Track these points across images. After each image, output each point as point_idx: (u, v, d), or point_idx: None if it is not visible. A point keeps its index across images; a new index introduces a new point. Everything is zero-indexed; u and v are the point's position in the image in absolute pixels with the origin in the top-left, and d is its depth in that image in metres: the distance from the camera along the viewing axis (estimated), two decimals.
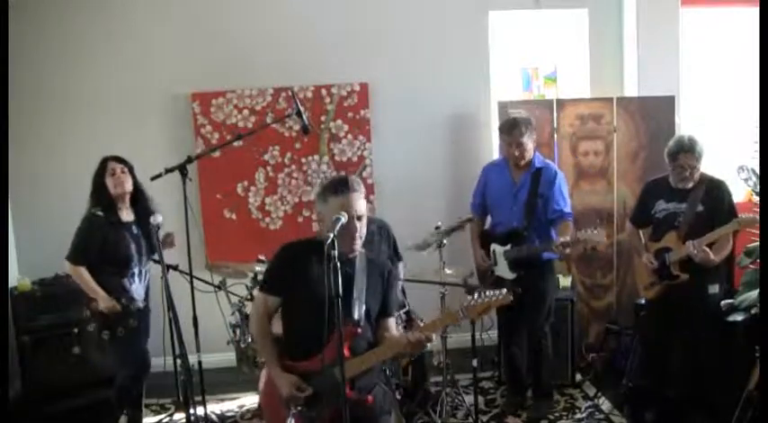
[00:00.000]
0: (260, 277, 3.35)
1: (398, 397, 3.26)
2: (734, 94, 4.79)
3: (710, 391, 3.40)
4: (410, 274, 3.71)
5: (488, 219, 3.91)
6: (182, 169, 3.25)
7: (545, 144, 4.46)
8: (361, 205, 2.34)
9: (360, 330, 2.34)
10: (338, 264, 2.05)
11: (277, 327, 2.49)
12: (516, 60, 4.91)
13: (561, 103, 4.57)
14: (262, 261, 3.57)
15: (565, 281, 4.22)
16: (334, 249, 2.07)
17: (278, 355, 2.39)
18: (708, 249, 3.17)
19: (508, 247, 3.62)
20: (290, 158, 4.62)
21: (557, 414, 3.77)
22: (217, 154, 4.30)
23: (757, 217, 3.11)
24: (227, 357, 3.84)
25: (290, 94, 4.25)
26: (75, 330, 3.93)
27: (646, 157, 4.49)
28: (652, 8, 4.67)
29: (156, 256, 3.37)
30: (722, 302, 3.53)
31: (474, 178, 3.97)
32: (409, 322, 3.56)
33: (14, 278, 4.20)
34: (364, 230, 2.39)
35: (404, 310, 3.58)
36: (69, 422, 3.83)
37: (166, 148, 4.40)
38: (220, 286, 3.63)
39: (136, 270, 3.31)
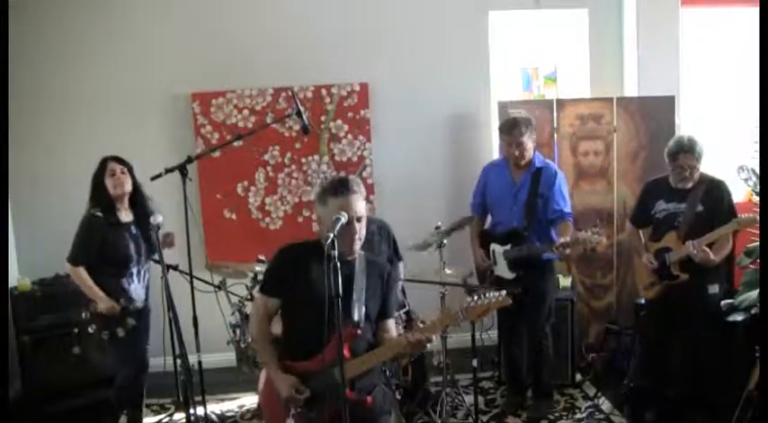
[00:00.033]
0: (260, 277, 3.35)
1: (398, 397, 3.26)
2: (734, 94, 4.79)
3: (710, 391, 3.40)
4: (410, 274, 3.72)
5: (488, 218, 3.91)
6: (182, 169, 3.25)
7: (545, 144, 4.46)
8: (360, 207, 2.34)
9: (359, 331, 2.34)
10: (338, 264, 2.05)
11: (277, 327, 2.49)
12: (516, 60, 4.91)
13: (561, 103, 4.57)
14: (262, 261, 3.57)
15: (565, 281, 4.22)
16: (334, 249, 2.07)
17: (278, 356, 2.39)
18: (707, 249, 3.17)
19: (508, 246, 3.62)
20: (290, 158, 4.62)
21: (557, 414, 3.77)
22: (217, 154, 4.30)
23: (757, 217, 3.11)
24: (227, 357, 3.84)
25: (290, 94, 4.26)
26: (75, 330, 3.88)
27: (646, 157, 4.49)
28: (652, 8, 4.67)
29: (155, 257, 3.37)
30: (722, 302, 3.53)
31: (474, 178, 3.97)
32: (409, 322, 3.55)
33: (14, 278, 4.20)
34: (363, 232, 2.39)
35: (404, 310, 3.58)
36: (69, 422, 3.83)
37: (166, 148, 4.40)
38: (220, 286, 3.63)
39: (134, 270, 3.31)
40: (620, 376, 3.94)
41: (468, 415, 3.71)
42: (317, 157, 4.64)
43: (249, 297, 3.56)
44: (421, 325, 2.41)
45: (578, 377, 4.16)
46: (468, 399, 3.81)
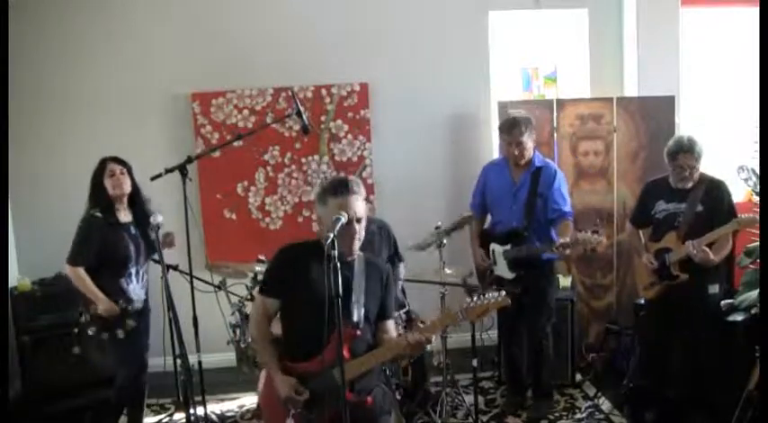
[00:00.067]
0: (260, 277, 3.35)
1: (398, 397, 3.26)
2: (734, 94, 4.78)
3: (710, 391, 3.40)
4: (410, 274, 3.72)
5: (488, 218, 3.91)
6: (182, 169, 3.25)
7: (545, 144, 4.46)
8: (360, 207, 2.34)
9: (359, 332, 2.34)
10: (338, 264, 2.05)
11: (276, 328, 2.49)
12: (516, 60, 4.91)
13: (561, 103, 4.57)
14: (262, 261, 3.57)
15: (565, 281, 4.22)
16: (334, 249, 2.06)
17: (277, 356, 2.39)
18: (707, 249, 3.17)
19: (508, 246, 3.62)
20: (290, 158, 4.62)
21: (557, 414, 3.77)
22: (217, 154, 4.30)
23: (757, 217, 3.11)
24: (227, 357, 3.84)
25: (290, 94, 4.26)
26: (75, 330, 3.89)
27: (646, 157, 4.49)
28: (652, 8, 4.67)
29: (155, 256, 3.37)
30: (722, 302, 3.53)
31: (474, 178, 3.97)
32: (409, 322, 3.56)
33: (14, 278, 4.20)
34: (363, 233, 2.39)
35: (404, 310, 3.58)
36: (69, 422, 3.83)
37: (166, 148, 4.40)
38: (220, 286, 3.63)
39: (133, 270, 3.30)
40: (620, 376, 3.94)
41: (468, 415, 3.71)
42: (317, 157, 4.64)
43: (249, 297, 3.56)
44: (421, 325, 2.41)
45: (578, 377, 4.16)
46: (468, 399, 3.81)
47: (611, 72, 4.87)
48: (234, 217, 4.62)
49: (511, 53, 4.89)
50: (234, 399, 4.14)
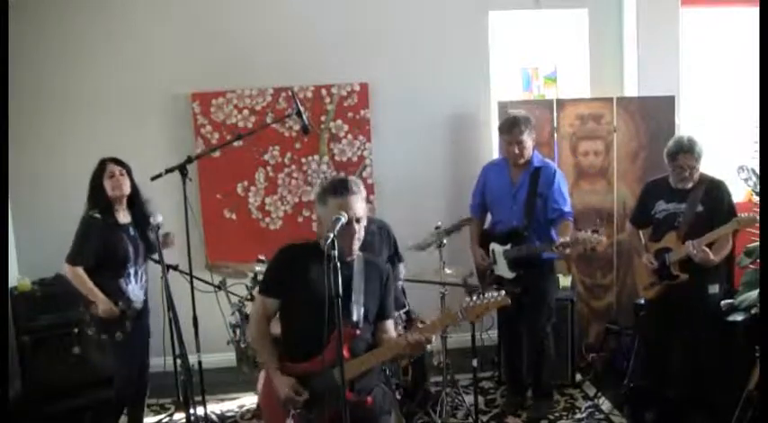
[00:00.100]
0: (260, 277, 3.35)
1: (398, 397, 3.26)
2: (734, 94, 4.78)
3: (710, 391, 3.40)
4: (410, 274, 3.72)
5: (488, 218, 3.92)
6: (182, 169, 3.26)
7: (545, 144, 4.46)
8: (360, 208, 2.34)
9: (358, 332, 2.34)
10: (338, 264, 2.05)
11: (275, 328, 2.49)
12: (516, 60, 4.91)
13: (561, 103, 4.57)
14: (262, 261, 3.57)
15: (565, 281, 4.22)
16: (334, 249, 2.07)
17: (277, 356, 2.39)
18: (707, 249, 3.17)
19: (508, 246, 3.62)
20: (290, 158, 4.62)
21: (557, 414, 3.77)
22: (217, 154, 4.30)
23: (757, 217, 3.11)
24: (227, 357, 3.84)
25: (290, 94, 4.26)
26: (75, 330, 3.92)
27: (646, 157, 4.49)
28: (652, 8, 4.67)
29: (155, 256, 3.37)
30: (722, 302, 3.53)
31: (474, 178, 3.97)
32: (409, 322, 3.56)
33: (14, 278, 4.20)
34: (362, 233, 2.40)
35: (404, 310, 3.58)
36: (69, 422, 3.83)
37: (166, 148, 4.40)
38: (220, 286, 3.63)
39: (132, 271, 3.30)
40: (620, 376, 3.93)
41: (468, 415, 3.71)
42: (317, 157, 4.64)
43: (249, 297, 3.56)
44: (420, 325, 2.41)
45: (578, 377, 4.16)
46: (468, 399, 3.81)
47: (611, 72, 4.87)
48: (234, 217, 4.62)
49: (511, 53, 4.88)
50: (234, 399, 4.14)
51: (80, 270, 3.17)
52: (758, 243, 3.56)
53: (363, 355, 2.34)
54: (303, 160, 4.63)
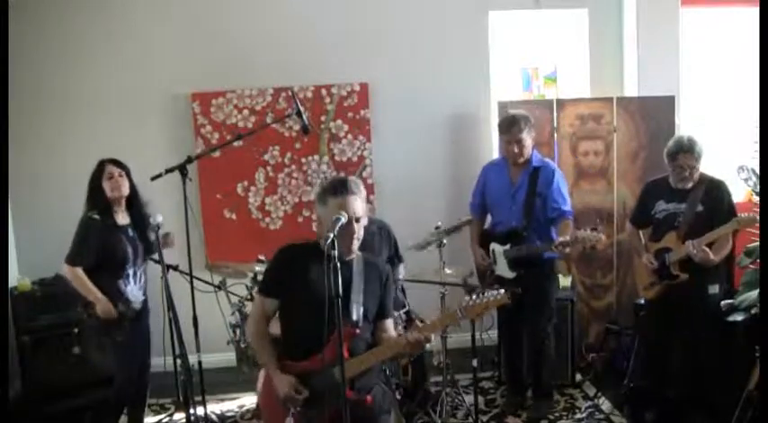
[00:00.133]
0: (260, 277, 3.35)
1: (398, 397, 3.26)
2: (734, 94, 4.78)
3: (710, 391, 3.40)
4: (410, 274, 3.72)
5: (488, 218, 3.92)
6: (182, 169, 3.25)
7: (545, 144, 4.46)
8: (359, 207, 2.34)
9: (358, 331, 2.34)
10: (339, 265, 2.05)
11: (274, 328, 2.49)
12: (516, 60, 4.91)
13: (561, 103, 4.57)
14: (262, 261, 3.57)
15: (565, 281, 4.22)
16: (334, 249, 2.07)
17: (276, 356, 2.39)
18: (707, 249, 3.17)
19: (507, 246, 3.62)
20: (290, 158, 4.62)
21: (557, 414, 3.77)
22: (217, 154, 4.30)
23: (757, 216, 3.11)
24: (227, 357, 3.84)
25: (290, 94, 4.26)
26: (75, 330, 3.92)
27: (646, 157, 4.49)
28: (652, 8, 4.67)
29: (155, 256, 3.37)
30: (722, 302, 3.53)
31: (474, 178, 3.97)
32: (409, 322, 3.55)
33: (14, 278, 4.20)
34: (362, 233, 2.40)
35: (404, 310, 3.58)
36: (69, 422, 3.83)
37: (166, 148, 4.40)
38: (220, 286, 3.63)
39: (131, 272, 3.30)
40: (620, 376, 3.93)
41: (468, 415, 3.71)
42: (317, 157, 4.64)
43: (249, 297, 3.56)
44: (420, 324, 2.42)
45: (578, 377, 4.16)
46: (468, 399, 3.81)
47: (611, 72, 4.87)
48: (234, 217, 4.62)
49: (511, 53, 4.89)
50: (234, 399, 4.14)
51: (79, 271, 3.17)
52: (758, 243, 3.56)
53: (363, 355, 2.34)
54: (303, 160, 4.63)
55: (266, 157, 4.60)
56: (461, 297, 2.44)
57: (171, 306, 2.99)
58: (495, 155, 4.39)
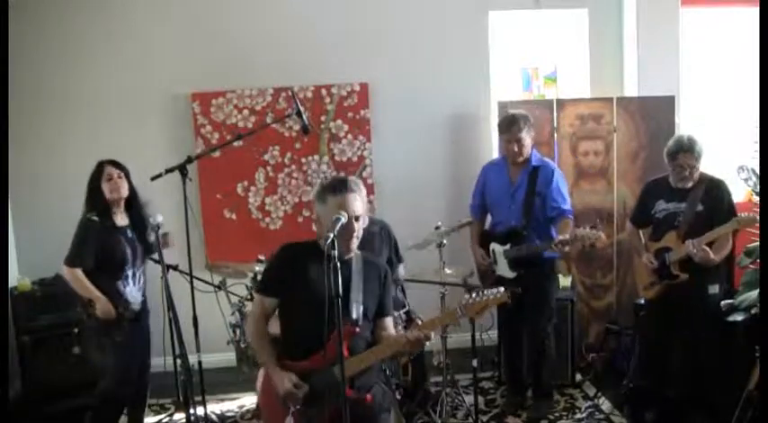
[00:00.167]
0: (260, 277, 3.34)
1: (398, 397, 3.26)
2: (734, 94, 4.78)
3: (710, 391, 3.40)
4: (410, 274, 3.72)
5: (488, 219, 3.92)
6: (182, 169, 3.25)
7: (545, 144, 4.46)
8: (358, 206, 2.34)
9: (358, 330, 2.34)
10: (338, 264, 2.05)
11: (274, 327, 2.49)
12: (516, 60, 4.91)
13: (561, 103, 4.57)
14: (262, 261, 3.57)
15: (565, 281, 4.22)
16: (334, 249, 2.07)
17: (275, 355, 2.39)
18: (707, 248, 3.17)
19: (507, 246, 3.62)
20: (290, 158, 4.62)
21: (557, 414, 3.77)
22: (217, 154, 4.30)
23: (757, 216, 3.11)
24: (227, 357, 3.84)
25: (290, 94, 4.26)
26: (76, 330, 3.92)
27: (646, 157, 4.49)
28: (652, 8, 4.67)
29: (155, 256, 3.37)
30: (722, 302, 3.52)
31: (474, 178, 3.98)
32: (409, 322, 3.55)
33: (14, 278, 4.20)
34: (361, 231, 2.40)
35: (404, 310, 3.58)
36: (69, 422, 3.83)
37: (166, 148, 4.40)
38: (220, 286, 3.63)
39: (130, 273, 3.29)
40: (620, 376, 3.94)
41: (468, 415, 3.71)
42: (317, 157, 4.64)
43: (249, 297, 3.56)
44: (420, 322, 2.42)
45: (578, 377, 4.16)
46: (468, 399, 3.81)
47: (611, 72, 4.87)
48: (234, 217, 4.62)
49: (511, 53, 4.89)
50: (234, 399, 4.14)
51: (79, 272, 3.17)
52: (758, 243, 3.56)
53: (363, 353, 2.34)
54: (303, 160, 4.63)
55: (266, 157, 4.60)
56: (461, 297, 2.44)
57: (171, 306, 2.99)
58: (495, 155, 4.39)
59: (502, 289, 2.37)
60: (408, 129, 4.69)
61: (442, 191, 4.75)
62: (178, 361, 3.14)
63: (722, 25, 4.85)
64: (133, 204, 3.36)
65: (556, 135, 4.54)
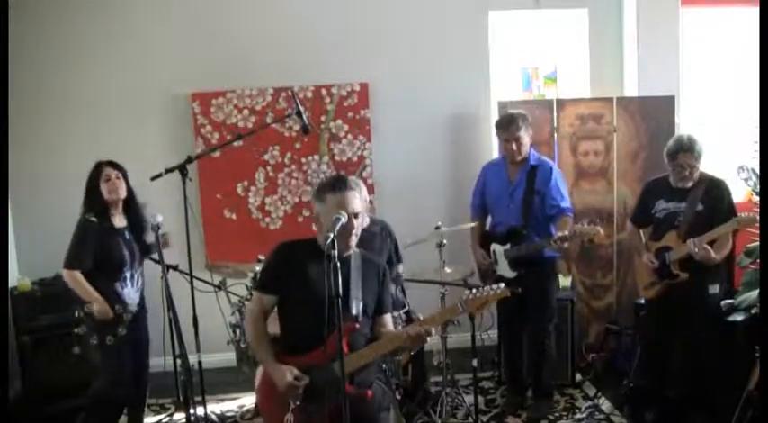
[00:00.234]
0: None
1: (398, 397, 3.26)
2: (734, 94, 4.78)
3: (710, 391, 3.40)
4: (410, 274, 3.71)
5: (489, 220, 3.92)
6: (182, 169, 3.25)
7: (545, 144, 4.46)
8: (357, 204, 2.35)
9: (358, 326, 2.34)
10: (338, 264, 2.06)
11: (273, 327, 2.49)
12: (516, 60, 4.91)
13: (561, 103, 4.57)
14: (261, 261, 3.56)
15: (565, 281, 4.22)
16: (334, 249, 2.07)
17: (274, 354, 2.39)
18: (709, 247, 3.17)
19: (507, 246, 3.63)
20: (290, 158, 4.62)
21: (557, 414, 3.76)
22: (217, 154, 4.30)
23: (757, 216, 3.11)
24: (227, 357, 3.84)
25: (290, 94, 4.26)
26: (76, 330, 3.91)
27: (646, 157, 4.49)
28: (652, 8, 4.67)
29: (155, 257, 3.36)
30: (722, 302, 3.53)
31: (474, 178, 3.98)
32: (409, 322, 3.55)
33: (14, 278, 4.20)
34: (360, 229, 2.41)
35: (404, 309, 3.58)
36: (69, 422, 3.83)
37: (166, 148, 4.40)
38: (220, 286, 3.63)
39: (128, 274, 3.29)
40: (620, 376, 3.94)
41: (468, 415, 3.71)
42: (317, 157, 4.64)
43: (249, 297, 3.56)
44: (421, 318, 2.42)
45: (578, 377, 4.16)
46: (468, 399, 3.81)
47: (611, 72, 4.87)
48: (234, 217, 4.62)
49: (511, 53, 4.89)
50: (234, 399, 4.14)
51: (78, 274, 3.16)
52: (758, 243, 3.56)
53: (363, 349, 2.34)
54: (303, 160, 4.63)
55: (266, 157, 4.60)
56: (462, 293, 2.44)
57: (171, 306, 2.99)
58: (495, 155, 4.39)
59: (502, 285, 2.37)
60: (408, 129, 4.69)
61: (441, 191, 4.76)
62: (178, 361, 3.14)
63: (722, 25, 4.86)
64: (131, 205, 3.35)
65: (556, 135, 4.54)
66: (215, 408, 3.99)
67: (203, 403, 3.51)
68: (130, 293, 3.30)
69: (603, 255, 4.55)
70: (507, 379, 4.02)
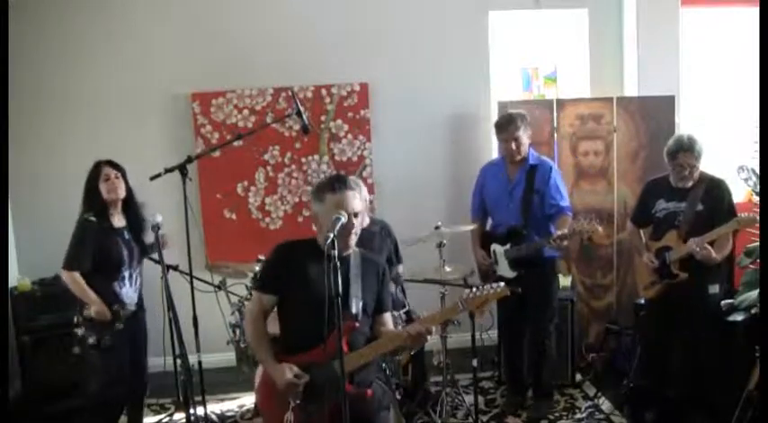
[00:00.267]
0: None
1: (398, 397, 3.26)
2: (734, 94, 4.78)
3: (710, 391, 3.40)
4: (410, 273, 3.71)
5: (489, 221, 3.92)
6: (182, 169, 3.25)
7: (545, 144, 4.46)
8: (356, 203, 2.35)
9: (358, 324, 2.34)
10: (338, 264, 2.06)
11: (273, 327, 2.49)
12: (516, 60, 4.91)
13: (561, 103, 4.57)
14: (261, 261, 3.57)
15: (565, 281, 4.21)
16: (334, 249, 2.07)
17: (274, 354, 2.39)
18: (709, 247, 3.17)
19: (508, 246, 3.63)
20: (290, 158, 4.62)
21: (557, 414, 3.77)
22: (217, 154, 4.30)
23: (757, 217, 3.11)
24: (227, 357, 3.83)
25: (290, 94, 4.26)
26: (77, 330, 3.92)
27: (646, 157, 4.49)
28: (652, 8, 4.67)
29: (155, 256, 3.36)
30: (722, 302, 3.53)
31: (474, 178, 3.98)
32: (409, 322, 3.55)
33: (14, 278, 4.20)
34: (359, 228, 2.40)
35: (404, 309, 3.58)
36: (69, 422, 3.83)
37: (166, 148, 4.40)
38: (220, 286, 3.63)
39: (126, 274, 3.29)
40: (620, 376, 3.94)
41: (468, 415, 3.71)
42: (317, 156, 4.64)
43: (249, 297, 3.56)
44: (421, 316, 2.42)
45: (578, 377, 4.16)
46: (468, 399, 3.81)
47: (611, 72, 4.87)
48: (234, 217, 4.62)
49: (511, 53, 4.89)
50: (234, 399, 4.14)
51: (77, 275, 3.16)
52: (758, 243, 3.56)
53: (363, 348, 2.34)
54: (303, 160, 4.63)
55: (266, 157, 4.60)
56: (462, 291, 2.44)
57: (171, 306, 2.99)
58: (495, 155, 4.39)
59: (502, 284, 2.37)
60: (408, 129, 4.69)
61: (442, 191, 4.76)
62: (178, 361, 3.14)
63: (722, 25, 4.86)
64: (130, 205, 3.35)
65: (556, 135, 4.54)
66: (215, 408, 3.99)
67: (203, 403, 3.51)
68: (129, 293, 3.30)
69: (603, 255, 4.55)
70: (507, 379, 4.02)
